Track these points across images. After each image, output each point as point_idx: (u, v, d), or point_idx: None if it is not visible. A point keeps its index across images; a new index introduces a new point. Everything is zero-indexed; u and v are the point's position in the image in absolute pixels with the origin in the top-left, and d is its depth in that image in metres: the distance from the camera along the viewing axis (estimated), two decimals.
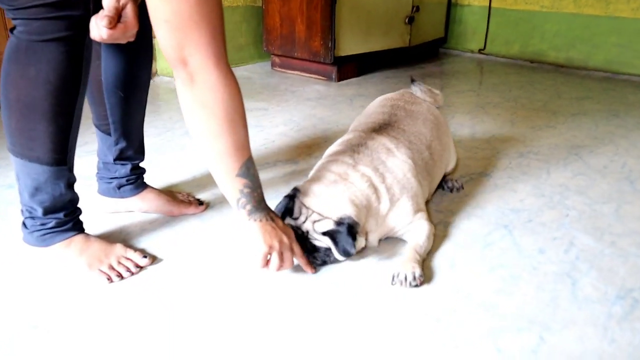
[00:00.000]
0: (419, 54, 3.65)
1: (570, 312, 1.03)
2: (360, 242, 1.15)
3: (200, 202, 1.44)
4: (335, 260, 1.15)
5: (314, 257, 1.14)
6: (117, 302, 1.04)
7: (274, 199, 1.28)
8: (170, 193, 1.44)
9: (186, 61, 0.90)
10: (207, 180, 1.60)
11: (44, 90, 0.98)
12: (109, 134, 1.29)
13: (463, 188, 1.58)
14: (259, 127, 2.11)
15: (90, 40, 1.00)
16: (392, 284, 1.09)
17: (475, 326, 0.98)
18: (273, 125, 2.14)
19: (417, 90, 1.59)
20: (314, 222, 1.12)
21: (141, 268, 1.14)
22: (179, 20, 0.86)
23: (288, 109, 2.39)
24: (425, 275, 1.13)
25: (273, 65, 3.22)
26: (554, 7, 3.62)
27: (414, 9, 3.27)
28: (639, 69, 3.35)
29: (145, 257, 1.16)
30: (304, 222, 1.13)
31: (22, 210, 1.11)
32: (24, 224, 1.11)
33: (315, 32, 2.84)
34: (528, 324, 0.99)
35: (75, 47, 0.98)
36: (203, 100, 0.93)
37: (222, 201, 1.45)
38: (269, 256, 1.05)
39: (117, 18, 1.00)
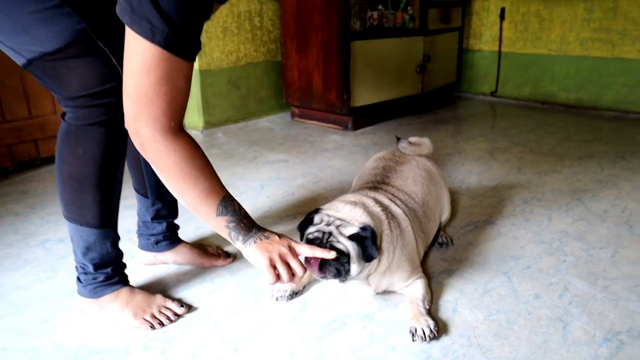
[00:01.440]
0: (433, 100, 3.82)
1: (559, 354, 1.15)
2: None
3: (227, 255, 1.60)
4: (348, 273, 1.20)
5: (329, 265, 1.18)
6: (160, 347, 1.19)
7: None
8: (201, 247, 1.60)
9: (138, 132, 0.99)
10: None
11: (91, 166, 1.16)
12: (147, 197, 1.47)
13: (452, 244, 1.68)
14: (280, 180, 2.28)
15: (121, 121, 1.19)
16: (413, 340, 1.18)
17: None
18: (292, 178, 2.31)
19: (403, 147, 1.67)
20: (338, 226, 1.20)
21: (179, 316, 1.30)
22: (137, 95, 0.96)
23: (307, 160, 2.57)
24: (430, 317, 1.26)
25: (293, 115, 3.42)
26: (562, 50, 3.77)
27: (425, 58, 3.46)
28: None
29: (182, 306, 1.32)
30: (327, 225, 1.21)
31: (76, 267, 1.28)
32: (78, 278, 1.28)
33: (331, 85, 3.04)
34: None
35: (114, 128, 1.16)
36: (157, 165, 1.04)
37: None
38: (272, 273, 1.08)
39: None
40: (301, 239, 1.27)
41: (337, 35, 2.92)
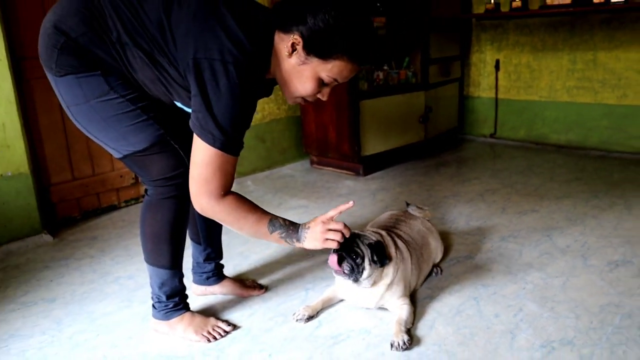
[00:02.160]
0: (436, 144, 4.28)
1: (504, 357, 1.58)
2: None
3: (261, 287, 2.07)
4: (360, 272, 1.66)
5: (347, 261, 1.64)
6: (215, 354, 1.65)
7: (312, 284, 1.91)
8: (240, 280, 2.08)
9: (199, 202, 1.43)
10: (265, 269, 2.24)
11: (167, 226, 1.64)
12: (200, 244, 1.95)
13: (441, 273, 2.13)
14: None
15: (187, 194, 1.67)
16: (391, 349, 1.63)
17: None
18: None
19: (412, 210, 2.22)
20: (361, 237, 1.68)
21: (227, 332, 1.77)
22: (199, 178, 1.41)
23: (323, 205, 3.04)
24: (412, 332, 1.70)
25: (311, 163, 3.92)
26: (551, 97, 4.22)
27: (427, 109, 3.94)
28: (628, 147, 3.88)
29: (229, 325, 1.79)
30: (354, 235, 1.67)
31: (152, 297, 1.75)
32: (153, 306, 1.75)
33: (344, 137, 3.54)
34: None
35: (181, 200, 1.63)
36: (217, 219, 1.48)
37: (277, 285, 2.09)
38: (328, 242, 1.54)
39: None
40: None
41: (347, 96, 3.42)
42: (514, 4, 3.74)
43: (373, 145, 3.59)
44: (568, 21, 3.97)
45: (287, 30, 1.38)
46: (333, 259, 1.66)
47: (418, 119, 3.89)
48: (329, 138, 3.65)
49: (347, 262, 1.66)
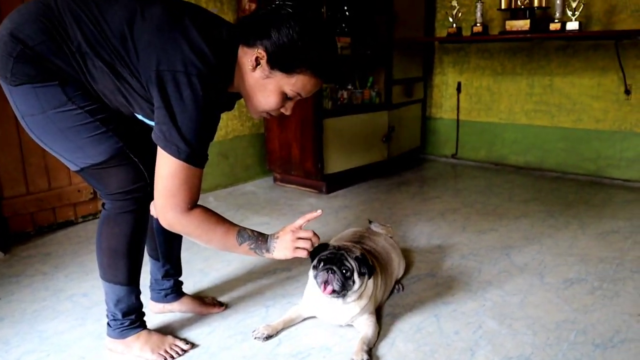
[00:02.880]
0: (399, 163, 4.33)
1: None
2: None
3: (221, 304, 2.03)
4: (350, 287, 1.67)
5: (337, 278, 1.64)
6: None
7: (273, 302, 1.89)
8: (199, 298, 2.03)
9: (165, 217, 1.41)
10: (226, 286, 2.20)
11: (124, 241, 1.59)
12: (158, 260, 1.90)
13: (403, 289, 2.14)
14: None
15: (149, 208, 1.64)
16: None
17: None
18: None
19: (375, 227, 2.24)
20: (347, 252, 1.69)
21: (185, 351, 1.72)
22: (164, 192, 1.38)
23: (285, 221, 3.02)
24: (372, 351, 1.69)
25: (275, 180, 3.91)
26: (510, 119, 4.34)
27: (390, 129, 3.99)
28: (582, 169, 4.01)
29: (187, 344, 1.74)
30: (338, 250, 1.69)
31: (107, 315, 1.69)
32: (108, 324, 1.69)
33: (307, 155, 3.54)
34: None
35: (140, 214, 1.59)
36: (184, 233, 1.45)
37: (237, 303, 2.05)
38: (298, 251, 1.53)
39: None
40: (312, 261, 1.73)
41: (312, 114, 3.43)
42: (475, 29, 3.85)
43: (336, 164, 3.61)
44: (526, 47, 4.11)
45: (251, 44, 1.39)
46: (324, 286, 1.67)
47: (381, 138, 3.93)
48: (292, 155, 3.65)
49: (337, 279, 1.65)
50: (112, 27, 1.36)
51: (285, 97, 1.45)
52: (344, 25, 3.73)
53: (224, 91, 1.48)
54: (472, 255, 2.50)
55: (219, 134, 3.65)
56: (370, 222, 2.27)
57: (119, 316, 1.67)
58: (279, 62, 1.37)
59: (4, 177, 2.74)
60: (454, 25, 3.99)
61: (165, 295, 1.94)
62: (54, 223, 2.97)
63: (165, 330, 1.85)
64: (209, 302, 2.02)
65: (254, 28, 1.38)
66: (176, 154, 1.35)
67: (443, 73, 4.65)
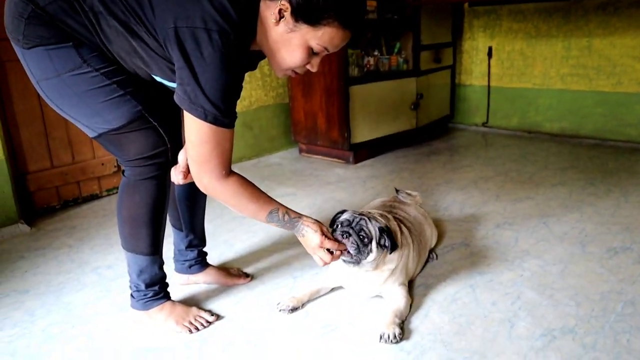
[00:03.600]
0: (427, 132, 4.20)
1: (504, 346, 1.50)
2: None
3: (246, 275, 1.97)
4: (366, 254, 1.56)
5: (354, 240, 1.54)
6: (198, 346, 1.56)
7: (300, 272, 1.82)
8: (224, 269, 1.97)
9: (202, 182, 1.38)
10: (251, 257, 2.14)
11: (145, 209, 1.53)
12: (181, 230, 1.84)
13: (437, 258, 2.06)
14: None
15: (169, 174, 1.57)
16: (379, 341, 1.53)
17: (434, 357, 1.46)
18: (300, 209, 2.62)
19: (402, 196, 2.13)
20: (368, 218, 1.58)
21: (210, 323, 1.67)
22: (198, 158, 1.34)
23: (312, 193, 2.94)
24: (405, 323, 1.61)
25: (300, 151, 3.82)
26: (544, 84, 4.14)
27: (418, 96, 3.85)
28: (623, 135, 3.82)
29: (212, 315, 1.69)
30: (358, 215, 1.59)
31: (130, 286, 1.65)
32: (132, 295, 1.65)
33: (333, 124, 3.44)
34: (471, 354, 1.46)
35: (162, 181, 1.53)
36: (219, 199, 1.41)
37: (263, 274, 1.99)
38: (317, 258, 1.50)
39: (187, 171, 1.57)
40: (332, 225, 1.65)
41: (337, 81, 3.32)
42: None
43: (363, 133, 3.50)
44: (563, 7, 3.89)
45: None
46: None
47: (409, 106, 3.80)
48: (318, 125, 3.55)
49: (353, 240, 1.56)
50: None
51: (311, 52, 1.34)
52: None
53: (247, 49, 1.39)
54: (507, 224, 2.39)
55: (243, 104, 3.56)
56: (397, 191, 2.16)
57: (142, 287, 1.62)
58: (303, 13, 1.26)
59: (28, 152, 2.71)
60: None
61: (190, 267, 1.89)
62: (78, 197, 2.95)
63: (190, 302, 1.80)
64: (234, 273, 1.96)
65: None
66: (203, 116, 1.28)
67: (473, 38, 4.46)
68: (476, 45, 4.46)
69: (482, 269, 1.97)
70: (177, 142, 1.55)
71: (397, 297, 1.68)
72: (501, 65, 4.35)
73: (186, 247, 1.86)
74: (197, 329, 1.64)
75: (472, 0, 4.02)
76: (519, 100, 4.32)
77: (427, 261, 2.02)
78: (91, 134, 1.45)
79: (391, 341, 1.52)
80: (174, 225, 1.85)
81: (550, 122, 4.19)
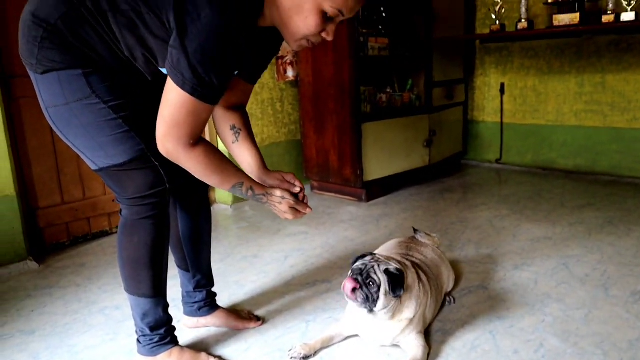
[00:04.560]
0: (441, 169, 4.15)
1: None
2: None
3: (257, 318, 1.90)
4: (375, 302, 1.51)
5: (361, 291, 1.50)
6: None
7: (314, 316, 1.75)
8: (235, 311, 1.92)
9: (164, 146, 1.29)
10: (263, 299, 2.08)
11: (145, 250, 1.49)
12: (188, 271, 1.79)
13: (454, 302, 1.98)
14: (301, 251, 2.60)
15: (168, 214, 1.53)
16: None
17: None
18: (312, 249, 2.63)
19: (420, 236, 2.07)
20: (379, 262, 1.54)
21: None
22: (169, 119, 1.25)
23: (325, 232, 2.89)
24: None
25: (312, 188, 3.79)
26: (558, 120, 4.11)
27: (431, 133, 3.82)
28: (639, 172, 3.74)
29: None
30: (371, 261, 1.55)
31: (136, 331, 1.59)
32: (138, 340, 1.59)
33: (346, 161, 3.41)
34: None
35: (159, 221, 1.49)
36: (184, 166, 1.33)
37: (274, 317, 1.93)
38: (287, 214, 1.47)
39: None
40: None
41: (350, 119, 3.31)
42: (520, 25, 3.65)
43: (376, 170, 3.46)
44: (575, 43, 3.89)
45: None
46: (347, 286, 1.52)
47: (422, 143, 3.77)
48: (330, 162, 3.53)
49: (362, 291, 1.51)
50: None
51: (325, 18, 1.27)
52: (380, 27, 3.59)
53: (252, 19, 1.32)
54: (526, 266, 2.31)
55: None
56: (415, 231, 2.11)
57: (147, 331, 1.56)
58: None
59: (40, 188, 2.71)
60: (497, 22, 3.80)
61: (199, 309, 1.83)
62: (88, 233, 2.92)
63: (200, 346, 1.74)
64: (245, 316, 1.90)
65: None
66: (180, 83, 1.21)
67: (485, 74, 4.46)
68: (488, 82, 4.46)
69: (501, 313, 1.89)
70: (178, 183, 1.54)
71: (415, 347, 1.61)
72: (514, 101, 4.33)
73: (194, 289, 1.81)
74: None
75: (483, 36, 4.03)
76: (532, 136, 4.28)
77: (443, 304, 1.95)
78: (93, 167, 1.43)
79: None
80: (180, 266, 1.80)
81: (565, 159, 4.13)
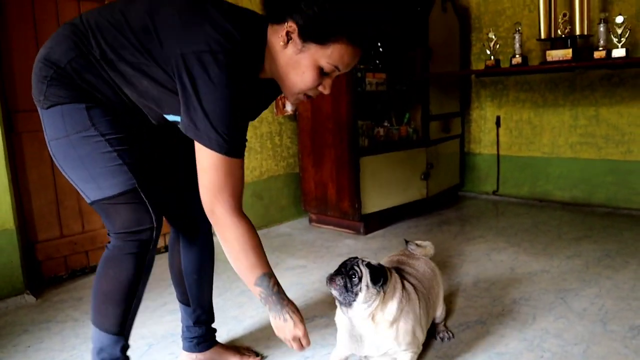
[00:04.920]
0: (439, 201, 4.17)
1: None
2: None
3: (257, 354, 1.90)
4: (355, 294, 1.49)
5: (340, 278, 1.50)
6: None
7: (312, 352, 1.74)
8: (234, 347, 1.91)
9: (214, 211, 1.33)
10: (261, 335, 2.08)
11: (117, 286, 1.46)
12: (189, 305, 1.80)
13: (453, 337, 1.98)
14: (299, 285, 2.60)
15: (153, 255, 1.52)
16: None
17: None
18: (310, 282, 2.63)
19: (412, 248, 2.02)
20: (363, 259, 1.54)
21: None
22: (211, 186, 1.32)
23: (323, 265, 2.90)
24: None
25: (310, 221, 3.80)
26: (554, 153, 4.16)
27: (429, 166, 3.86)
28: (636, 204, 3.78)
29: None
30: (354, 258, 1.55)
31: None
32: None
33: (344, 195, 3.43)
34: None
35: (140, 260, 1.47)
36: (225, 236, 1.36)
37: (274, 353, 1.92)
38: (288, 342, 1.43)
39: None
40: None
41: (348, 152, 3.34)
42: (514, 60, 3.73)
43: (374, 203, 3.48)
44: (568, 77, 3.96)
45: (279, 20, 1.31)
46: (329, 275, 1.54)
47: (420, 175, 3.80)
48: (328, 195, 3.55)
49: (341, 279, 1.50)
50: (133, 24, 1.33)
51: (321, 72, 1.33)
52: (378, 61, 3.66)
53: (254, 72, 1.39)
54: (524, 300, 2.32)
55: (253, 174, 3.58)
56: (407, 242, 2.05)
57: None
58: (311, 33, 1.27)
59: (39, 221, 2.72)
60: (492, 57, 3.88)
61: (198, 344, 1.83)
62: (86, 266, 2.92)
63: None
64: (244, 352, 1.89)
65: (280, 2, 1.31)
66: (209, 144, 1.28)
67: (481, 107, 4.53)
68: (484, 115, 4.52)
69: (500, 349, 1.89)
70: (163, 222, 1.54)
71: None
72: (510, 134, 4.38)
73: (194, 323, 1.81)
74: None
75: (479, 72, 4.11)
76: (528, 168, 4.33)
77: (435, 336, 1.96)
78: (87, 200, 1.45)
79: None
80: (180, 301, 1.81)
81: (562, 191, 4.17)
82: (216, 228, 1.37)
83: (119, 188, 1.40)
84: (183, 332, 1.85)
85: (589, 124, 3.94)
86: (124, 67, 1.34)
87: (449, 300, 2.10)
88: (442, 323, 2.01)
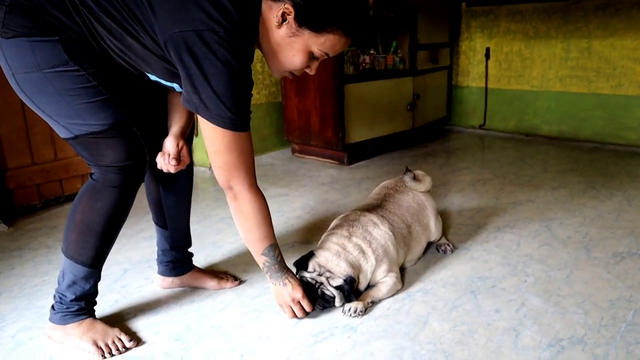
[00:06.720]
0: (424, 134, 4.10)
1: (509, 357, 1.39)
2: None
3: (235, 278, 1.85)
4: (332, 306, 1.62)
5: (319, 302, 1.60)
6: (179, 355, 1.44)
7: None
8: (212, 272, 1.86)
9: (232, 189, 1.41)
10: (240, 260, 2.03)
11: (102, 218, 1.40)
12: (166, 228, 1.73)
13: (457, 248, 2.05)
14: (280, 212, 2.54)
15: (137, 188, 1.45)
16: (342, 313, 1.60)
17: None
18: (292, 210, 2.57)
19: (407, 179, 2.00)
20: (328, 277, 1.60)
21: (127, 349, 1.48)
22: (226, 166, 1.36)
23: (305, 193, 2.83)
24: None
25: (293, 151, 3.71)
26: (543, 86, 4.06)
27: (415, 96, 3.75)
28: (623, 139, 3.73)
29: (131, 340, 1.49)
30: (319, 275, 1.61)
31: (54, 296, 1.48)
32: (52, 307, 1.48)
33: (328, 124, 3.33)
34: None
35: (130, 192, 1.42)
36: (241, 210, 1.44)
37: (252, 277, 1.88)
38: (285, 309, 1.59)
39: (178, 157, 1.47)
40: (296, 273, 1.65)
41: (332, 80, 3.22)
42: None
43: (358, 133, 3.39)
44: (562, 7, 3.81)
45: None
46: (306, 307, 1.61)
47: (406, 106, 3.70)
48: (311, 125, 3.45)
49: (319, 304, 1.62)
50: None
51: (311, 57, 1.35)
52: None
53: (252, 47, 1.35)
54: (508, 228, 2.29)
55: None
56: (406, 170, 2.04)
57: (68, 299, 1.46)
58: (308, 19, 1.26)
59: (7, 148, 2.59)
60: None
61: (174, 268, 1.78)
62: (61, 195, 2.82)
63: (173, 309, 1.68)
64: (221, 276, 1.84)
65: None
66: (222, 124, 1.28)
67: (470, 38, 4.38)
68: (473, 46, 4.38)
69: (483, 273, 1.87)
70: (155, 154, 1.52)
71: (381, 284, 1.72)
72: (499, 66, 4.26)
73: (171, 247, 1.75)
74: (111, 354, 1.46)
75: None
76: (516, 102, 4.24)
77: (437, 249, 2.07)
78: (66, 135, 1.35)
79: (350, 315, 1.58)
80: (157, 224, 1.74)
81: (549, 125, 4.10)
82: (233, 203, 1.43)
83: (109, 122, 1.32)
84: (158, 255, 1.79)
85: (580, 57, 3.83)
86: (106, 20, 1.24)
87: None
88: (441, 238, 2.07)
